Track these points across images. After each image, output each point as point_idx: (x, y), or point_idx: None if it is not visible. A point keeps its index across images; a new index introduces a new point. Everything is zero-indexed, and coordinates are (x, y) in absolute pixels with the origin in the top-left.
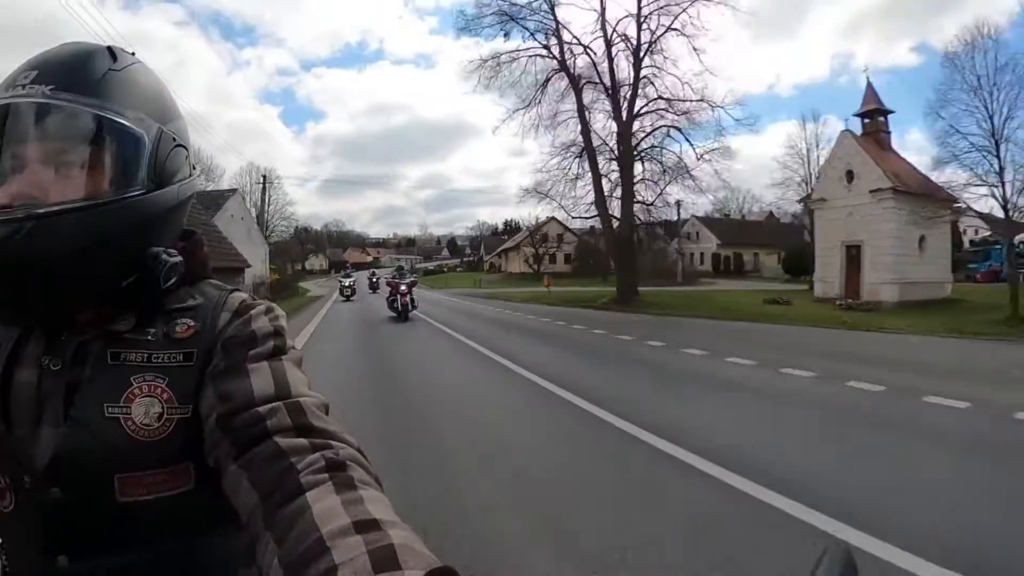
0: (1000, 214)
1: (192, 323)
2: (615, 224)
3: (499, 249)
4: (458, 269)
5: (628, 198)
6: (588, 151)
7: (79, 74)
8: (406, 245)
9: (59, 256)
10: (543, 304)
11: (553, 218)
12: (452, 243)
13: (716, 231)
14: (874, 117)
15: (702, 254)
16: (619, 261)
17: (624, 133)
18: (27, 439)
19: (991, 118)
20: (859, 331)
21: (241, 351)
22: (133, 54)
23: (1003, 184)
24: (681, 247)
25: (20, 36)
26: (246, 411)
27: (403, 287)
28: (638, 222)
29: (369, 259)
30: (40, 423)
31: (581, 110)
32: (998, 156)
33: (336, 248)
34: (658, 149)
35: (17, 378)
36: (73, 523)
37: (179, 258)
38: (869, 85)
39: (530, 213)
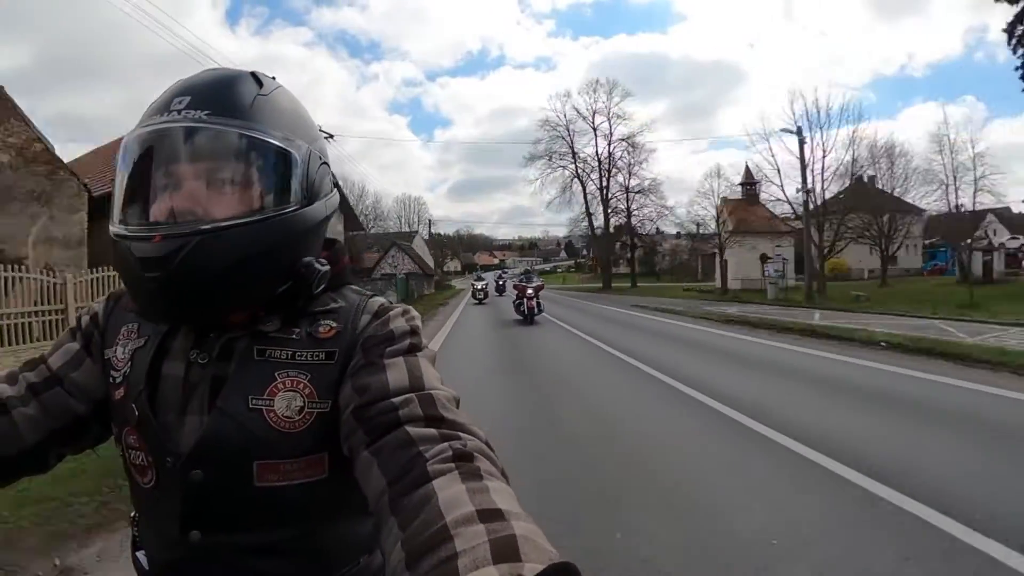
0: None
1: (334, 324)
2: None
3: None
4: (570, 270)
5: (611, 238)
6: (587, 216)
7: (230, 99)
8: (528, 248)
9: (220, 268)
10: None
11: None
12: (569, 244)
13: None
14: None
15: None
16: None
17: (604, 203)
18: (172, 425)
19: None
20: None
21: (379, 348)
22: (274, 79)
23: None
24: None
25: (163, 63)
26: (381, 402)
27: (529, 291)
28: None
29: (496, 261)
30: (186, 411)
31: (585, 197)
32: None
33: (467, 252)
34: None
35: (165, 370)
36: (210, 503)
37: (328, 267)
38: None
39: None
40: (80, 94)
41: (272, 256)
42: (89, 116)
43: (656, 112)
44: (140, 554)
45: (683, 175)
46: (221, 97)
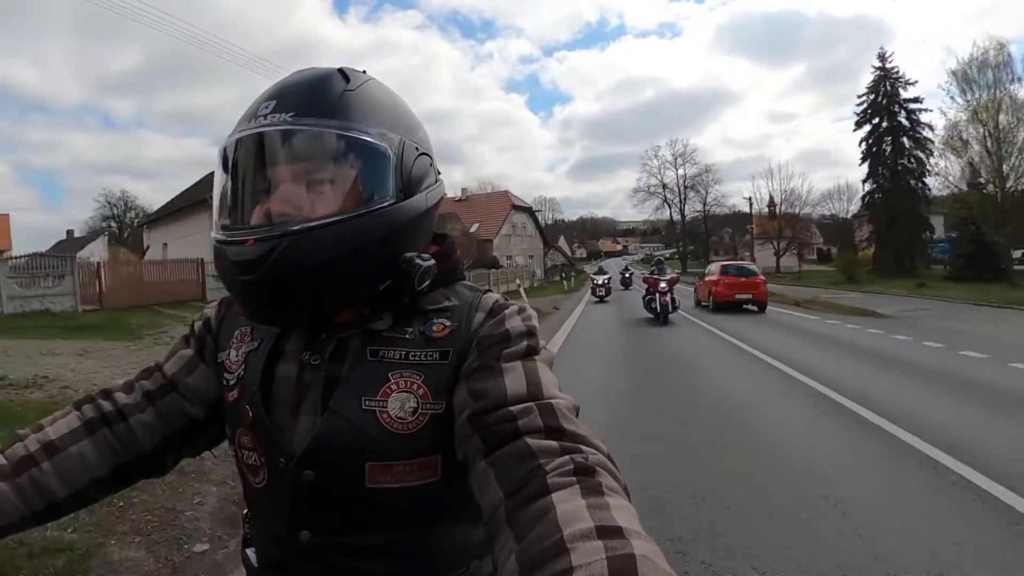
0: None
1: (448, 323)
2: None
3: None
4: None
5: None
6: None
7: (316, 98)
8: (651, 233)
9: (314, 267)
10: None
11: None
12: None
13: None
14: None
15: None
16: None
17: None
18: (285, 425)
19: None
20: None
21: (495, 350)
22: (364, 72)
23: None
24: None
25: (283, 57)
26: (498, 410)
27: (662, 284)
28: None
29: (619, 248)
30: (299, 412)
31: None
32: None
33: (591, 240)
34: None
35: (278, 371)
36: (321, 503)
37: (431, 261)
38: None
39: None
40: (193, 92)
41: (368, 253)
42: (204, 113)
43: (793, 76)
44: (250, 551)
45: (824, 146)
46: (306, 97)
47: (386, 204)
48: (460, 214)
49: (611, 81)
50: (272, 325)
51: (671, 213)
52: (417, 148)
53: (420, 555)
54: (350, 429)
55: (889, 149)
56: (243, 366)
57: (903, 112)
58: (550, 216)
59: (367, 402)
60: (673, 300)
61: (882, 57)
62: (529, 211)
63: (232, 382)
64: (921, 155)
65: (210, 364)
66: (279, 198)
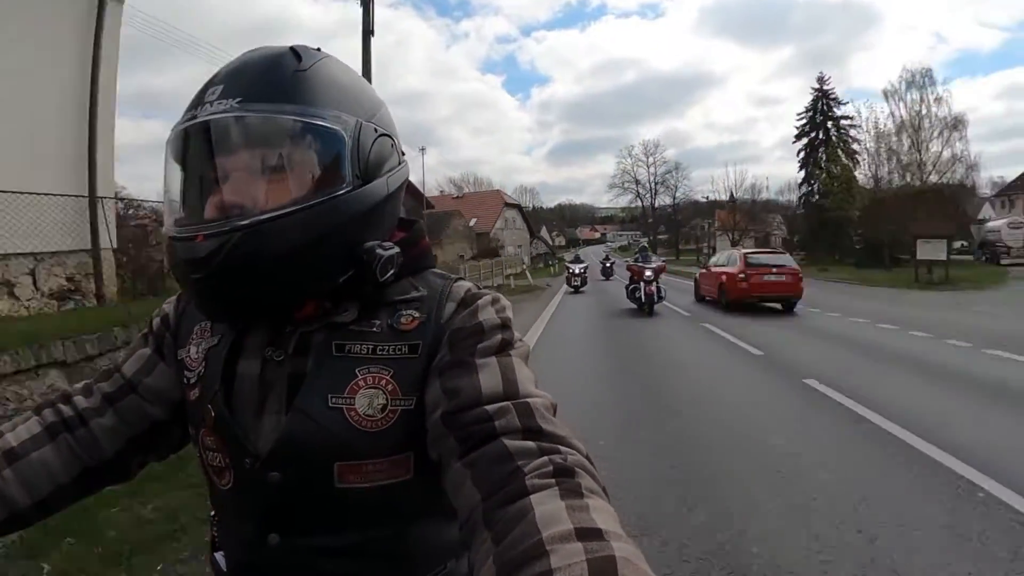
0: None
1: (417, 314)
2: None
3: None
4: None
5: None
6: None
7: (266, 81)
8: (629, 221)
9: (268, 263)
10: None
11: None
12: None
13: None
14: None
15: None
16: None
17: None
18: (249, 425)
19: None
20: None
21: (468, 344)
22: (319, 50)
23: None
24: None
25: (251, 35)
26: (473, 409)
27: (648, 273)
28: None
29: (597, 235)
30: (263, 411)
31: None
32: None
33: (570, 228)
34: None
35: (241, 368)
36: (290, 505)
37: (395, 250)
38: None
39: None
40: (158, 72)
41: (325, 244)
42: (168, 93)
43: (780, 59)
44: (219, 555)
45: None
46: (256, 80)
47: (342, 191)
48: (460, 210)
49: (591, 62)
50: (228, 323)
51: (643, 205)
52: (376, 129)
53: (394, 555)
54: (317, 429)
55: (824, 159)
56: (204, 363)
57: (835, 128)
58: (530, 204)
59: (334, 400)
60: (659, 290)
61: (820, 80)
62: (518, 207)
63: (192, 380)
64: (848, 163)
65: (170, 362)
66: (229, 190)
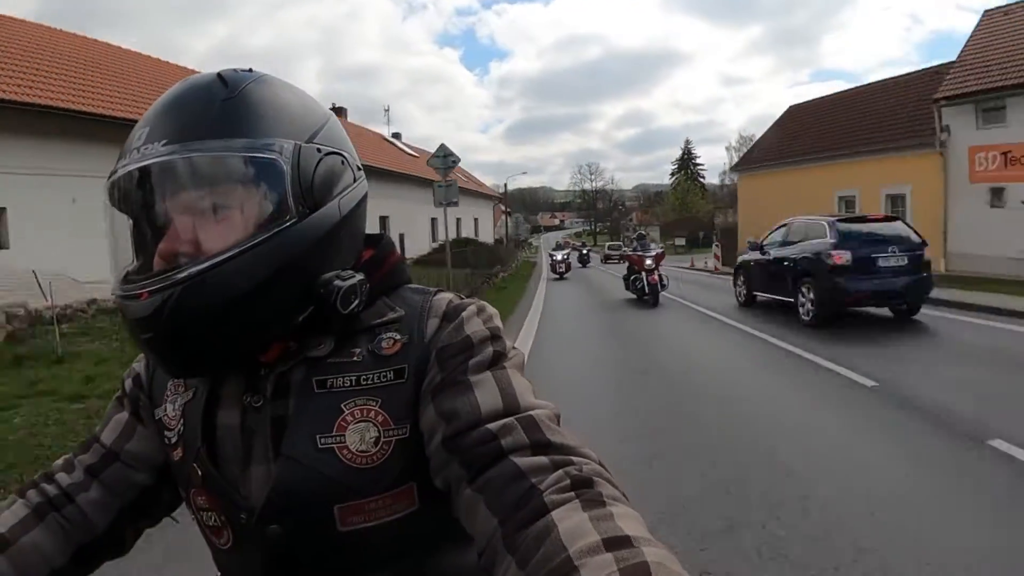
0: None
1: (398, 336)
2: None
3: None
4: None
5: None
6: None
7: (190, 116)
8: (587, 208)
9: (217, 311)
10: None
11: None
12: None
13: None
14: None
15: None
16: None
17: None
18: (238, 478)
19: None
20: None
21: (458, 362)
22: (250, 71)
23: None
24: None
25: (179, 12)
26: (475, 429)
27: (648, 261)
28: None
29: (557, 222)
30: (250, 461)
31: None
32: None
33: (531, 214)
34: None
35: (220, 420)
36: (294, 557)
37: (355, 279)
38: None
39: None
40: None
41: (276, 284)
42: None
43: (750, 37)
44: None
45: (775, 111)
46: (179, 118)
47: (286, 224)
48: None
49: (554, 37)
50: (188, 379)
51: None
52: (319, 149)
53: None
54: (308, 473)
55: (687, 189)
56: (182, 420)
57: (696, 173)
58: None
59: (323, 440)
60: (661, 278)
61: (688, 142)
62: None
63: (174, 440)
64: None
65: (148, 424)
66: (166, 240)
